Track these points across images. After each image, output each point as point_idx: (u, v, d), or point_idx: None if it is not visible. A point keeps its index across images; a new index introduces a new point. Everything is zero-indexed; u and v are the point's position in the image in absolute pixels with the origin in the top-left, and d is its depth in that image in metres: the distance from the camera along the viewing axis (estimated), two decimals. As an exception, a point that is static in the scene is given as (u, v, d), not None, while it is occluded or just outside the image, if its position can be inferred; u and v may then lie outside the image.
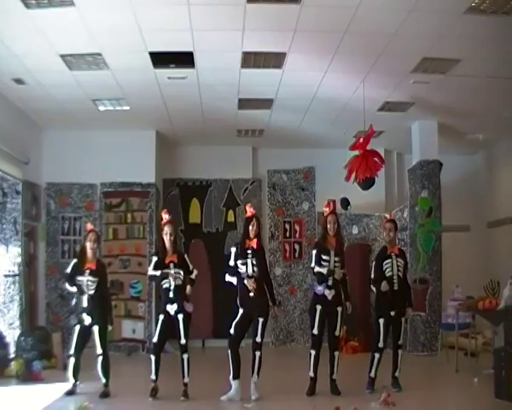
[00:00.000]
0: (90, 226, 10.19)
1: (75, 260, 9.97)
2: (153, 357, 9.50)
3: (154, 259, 9.74)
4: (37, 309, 14.39)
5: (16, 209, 13.16)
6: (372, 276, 10.11)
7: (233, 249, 9.65)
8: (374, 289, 10.09)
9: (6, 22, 9.14)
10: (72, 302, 10.20)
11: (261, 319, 9.38)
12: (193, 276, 9.73)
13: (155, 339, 9.58)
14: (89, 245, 9.77)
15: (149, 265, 9.92)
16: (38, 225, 14.52)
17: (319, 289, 9.67)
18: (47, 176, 15.00)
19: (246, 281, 9.39)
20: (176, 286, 9.46)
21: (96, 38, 9.82)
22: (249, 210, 9.73)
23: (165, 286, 9.52)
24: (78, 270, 9.66)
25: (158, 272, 9.52)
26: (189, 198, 16.56)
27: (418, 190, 14.45)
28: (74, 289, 9.69)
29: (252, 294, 9.31)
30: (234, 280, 9.52)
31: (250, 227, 9.52)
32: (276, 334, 16.18)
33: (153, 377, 9.46)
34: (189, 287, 9.60)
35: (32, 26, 9.29)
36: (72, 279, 9.65)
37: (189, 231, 16.28)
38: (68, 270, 9.81)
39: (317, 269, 9.72)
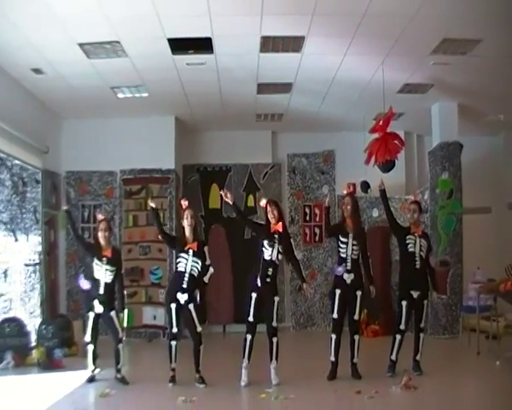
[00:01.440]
0: (100, 216, 10.26)
1: (92, 242, 10.33)
2: (173, 343, 9.52)
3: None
4: (57, 297, 14.50)
5: (36, 198, 13.25)
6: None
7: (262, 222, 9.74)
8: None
9: (24, 11, 9.14)
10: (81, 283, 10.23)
11: (276, 298, 9.41)
12: (206, 279, 9.65)
13: (175, 329, 9.53)
14: (100, 234, 9.85)
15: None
16: (58, 213, 14.57)
17: (339, 270, 9.69)
18: (66, 164, 15.07)
19: (305, 287, 9.64)
20: (191, 274, 9.44)
21: (115, 26, 9.82)
22: (262, 202, 9.78)
23: (180, 269, 9.49)
24: (96, 254, 9.77)
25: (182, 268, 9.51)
26: (209, 183, 16.54)
27: (439, 171, 14.36)
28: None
29: (268, 279, 9.32)
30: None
31: (268, 215, 9.49)
32: (296, 318, 16.21)
33: (173, 365, 9.52)
34: (197, 291, 9.61)
35: (50, 15, 9.29)
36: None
37: (209, 217, 16.28)
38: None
39: (341, 252, 9.75)
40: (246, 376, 9.32)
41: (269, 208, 9.49)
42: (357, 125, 14.95)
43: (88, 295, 9.93)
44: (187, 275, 9.41)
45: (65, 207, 10.78)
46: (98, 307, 9.64)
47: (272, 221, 9.46)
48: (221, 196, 9.81)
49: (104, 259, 9.69)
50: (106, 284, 9.66)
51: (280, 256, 9.44)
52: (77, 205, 15.07)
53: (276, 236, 9.39)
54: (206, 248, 9.70)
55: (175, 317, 9.50)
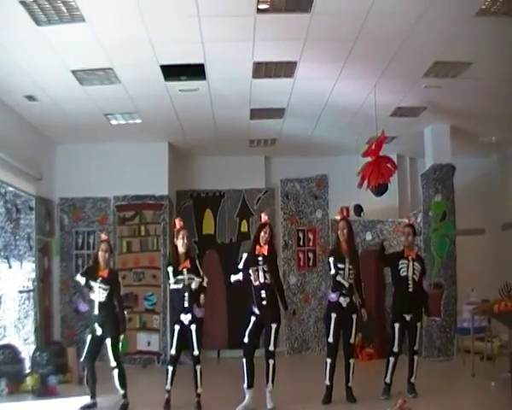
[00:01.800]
0: (103, 237, 10.25)
1: (89, 265, 10.26)
2: (170, 368, 9.51)
3: (170, 269, 9.71)
4: (52, 324, 14.43)
5: (30, 225, 13.22)
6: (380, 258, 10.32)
7: (244, 255, 9.67)
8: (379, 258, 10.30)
9: (17, 40, 9.19)
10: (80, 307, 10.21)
11: (274, 325, 9.39)
12: (204, 283, 9.75)
13: (173, 351, 9.56)
14: (100, 254, 9.82)
15: (167, 277, 9.86)
16: (52, 240, 14.56)
17: (332, 296, 9.71)
18: (60, 191, 15.06)
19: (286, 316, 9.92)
20: (190, 292, 9.48)
21: (107, 53, 9.87)
22: (264, 217, 9.76)
23: (179, 287, 9.52)
24: (91, 275, 9.74)
25: (180, 285, 9.55)
26: (203, 209, 16.56)
27: (431, 194, 14.41)
28: (83, 280, 9.80)
29: (264, 302, 9.32)
30: (239, 276, 9.53)
31: (262, 233, 9.51)
32: (291, 343, 16.19)
33: (168, 387, 9.48)
34: (202, 296, 9.64)
35: (43, 43, 9.34)
36: (84, 275, 9.82)
37: (202, 243, 16.26)
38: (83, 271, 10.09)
39: (338, 278, 9.74)
40: (248, 400, 9.30)
41: (264, 229, 9.52)
42: (349, 148, 14.97)
43: (88, 318, 9.95)
44: (187, 293, 9.47)
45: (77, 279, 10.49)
46: (98, 330, 9.59)
47: (262, 242, 9.49)
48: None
49: (99, 278, 9.66)
50: (100, 303, 9.59)
51: (268, 276, 9.41)
52: (71, 232, 15.07)
53: (260, 258, 9.41)
54: (197, 262, 9.83)
55: (176, 340, 9.54)
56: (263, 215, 9.86)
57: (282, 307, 9.74)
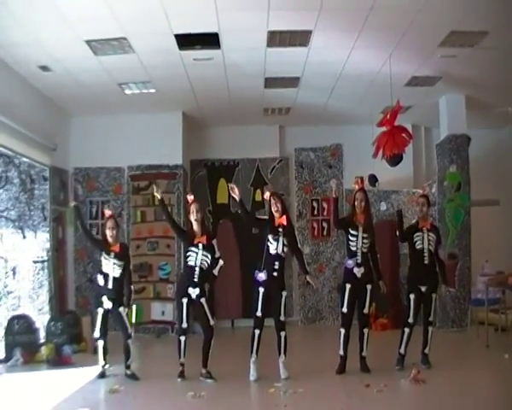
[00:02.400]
0: (107, 213, 10.28)
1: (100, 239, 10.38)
2: (182, 338, 9.56)
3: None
4: (66, 294, 14.51)
5: (44, 195, 13.28)
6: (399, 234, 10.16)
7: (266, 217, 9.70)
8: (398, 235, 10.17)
9: (30, 9, 9.16)
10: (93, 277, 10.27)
11: (284, 293, 9.45)
12: (215, 271, 9.69)
13: (185, 324, 9.55)
14: (108, 233, 9.88)
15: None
16: (66, 210, 14.60)
17: (349, 262, 9.70)
18: (74, 161, 15.08)
19: (308, 279, 9.87)
20: (201, 269, 9.47)
21: (121, 23, 9.83)
22: (265, 194, 9.80)
23: (190, 263, 9.50)
24: (104, 249, 9.80)
25: (192, 262, 9.53)
26: (217, 178, 16.56)
27: (446, 164, 14.33)
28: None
29: (275, 273, 9.34)
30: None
31: (272, 208, 9.52)
32: (304, 312, 16.20)
33: (182, 360, 9.55)
34: (207, 284, 9.67)
35: (57, 14, 9.31)
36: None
37: (216, 212, 16.28)
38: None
39: (351, 246, 9.76)
40: (255, 371, 9.35)
41: (272, 201, 9.51)
42: (364, 118, 14.91)
43: (97, 291, 10.00)
44: (197, 269, 9.44)
45: (73, 203, 10.79)
46: (107, 303, 9.68)
47: (276, 214, 9.49)
48: (228, 190, 9.81)
49: (112, 253, 9.73)
50: (114, 278, 9.69)
51: (285, 249, 9.45)
52: (85, 201, 15.08)
53: (281, 229, 9.41)
54: (214, 241, 9.73)
55: (185, 312, 9.52)
56: (265, 192, 9.89)
57: (303, 272, 9.89)
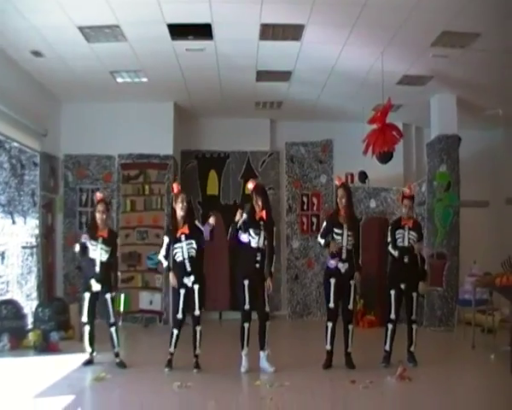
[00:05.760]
0: (98, 196, 10.26)
1: (88, 225, 10.52)
2: (175, 331, 9.54)
3: (166, 240, 9.77)
4: (54, 281, 14.52)
5: (34, 181, 13.24)
6: (388, 239, 10.13)
7: (245, 215, 9.61)
8: (392, 251, 10.08)
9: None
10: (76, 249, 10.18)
11: (268, 280, 9.47)
12: (211, 220, 9.77)
13: (180, 315, 9.54)
14: (97, 216, 9.91)
15: (161, 246, 9.89)
16: (56, 196, 14.58)
17: (331, 262, 9.70)
18: (65, 148, 15.06)
19: (268, 282, 9.52)
20: (190, 257, 9.52)
21: (114, 10, 9.80)
22: (250, 185, 9.78)
23: (178, 260, 9.56)
24: (92, 236, 9.79)
25: (165, 263, 9.72)
26: (207, 170, 16.57)
27: (436, 164, 14.37)
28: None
29: (258, 265, 9.41)
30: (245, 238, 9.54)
31: (254, 203, 9.57)
32: (292, 307, 16.22)
33: (171, 350, 9.54)
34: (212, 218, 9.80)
35: (51, -2, 9.28)
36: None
37: (206, 203, 16.28)
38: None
39: (321, 241, 9.83)
40: (246, 362, 9.37)
41: (254, 196, 9.56)
42: (355, 115, 14.92)
43: (84, 275, 10.03)
44: (187, 261, 9.51)
45: (77, 247, 10.21)
46: (95, 286, 9.70)
47: (257, 208, 9.54)
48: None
49: (99, 238, 9.75)
50: (101, 262, 9.72)
51: (265, 242, 9.49)
52: (75, 189, 15.11)
53: (262, 222, 9.47)
54: (196, 222, 9.86)
55: (182, 302, 9.55)
56: (249, 184, 9.86)
57: (268, 273, 9.64)
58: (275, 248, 9.84)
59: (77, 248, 9.94)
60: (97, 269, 9.70)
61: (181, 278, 9.55)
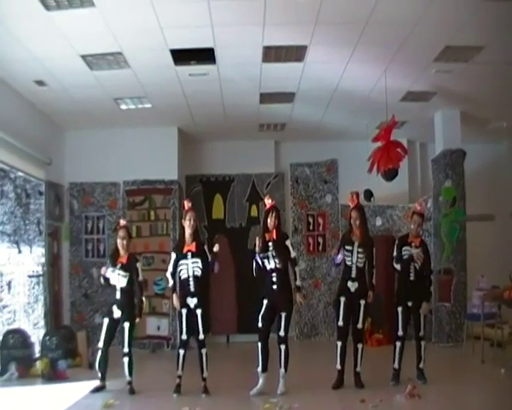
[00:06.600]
0: (122, 223, 10.33)
1: (111, 253, 10.42)
2: (181, 351, 9.48)
3: (173, 256, 9.75)
4: (61, 308, 14.49)
5: (39, 210, 13.24)
6: (394, 254, 10.08)
7: (257, 240, 9.54)
8: (397, 266, 10.04)
9: (26, 24, 9.18)
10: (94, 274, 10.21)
11: (284, 314, 9.34)
12: (215, 249, 9.64)
13: (184, 336, 9.53)
14: (119, 242, 9.96)
15: (169, 262, 9.90)
16: (62, 224, 14.60)
17: (339, 257, 9.75)
18: (69, 176, 15.08)
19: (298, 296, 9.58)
20: (195, 276, 9.49)
21: (117, 38, 9.85)
22: (267, 202, 9.68)
23: (183, 277, 9.55)
24: (112, 263, 9.86)
25: (171, 282, 9.70)
26: (212, 194, 16.58)
27: (442, 179, 14.36)
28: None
29: (275, 286, 9.33)
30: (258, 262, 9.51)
31: (268, 220, 9.47)
32: (300, 328, 16.17)
33: (179, 373, 9.47)
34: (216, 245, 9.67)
35: (53, 28, 9.33)
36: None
37: (212, 227, 16.30)
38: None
39: (346, 261, 9.74)
40: (262, 384, 9.29)
41: (270, 214, 9.48)
42: (360, 133, 14.94)
43: (108, 301, 10.13)
44: (191, 279, 9.48)
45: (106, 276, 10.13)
46: (116, 312, 9.72)
47: (269, 227, 9.46)
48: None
49: (118, 264, 9.79)
50: (121, 288, 9.76)
51: (277, 260, 9.35)
52: (80, 216, 15.12)
53: (270, 243, 9.39)
54: (205, 246, 9.76)
55: (185, 323, 9.52)
56: (266, 200, 9.75)
57: (295, 289, 9.60)
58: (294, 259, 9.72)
59: (102, 280, 10.00)
60: (118, 295, 9.76)
61: (184, 297, 9.52)
